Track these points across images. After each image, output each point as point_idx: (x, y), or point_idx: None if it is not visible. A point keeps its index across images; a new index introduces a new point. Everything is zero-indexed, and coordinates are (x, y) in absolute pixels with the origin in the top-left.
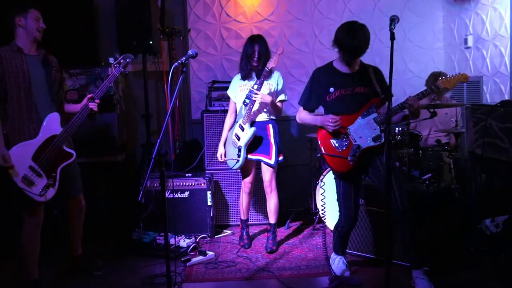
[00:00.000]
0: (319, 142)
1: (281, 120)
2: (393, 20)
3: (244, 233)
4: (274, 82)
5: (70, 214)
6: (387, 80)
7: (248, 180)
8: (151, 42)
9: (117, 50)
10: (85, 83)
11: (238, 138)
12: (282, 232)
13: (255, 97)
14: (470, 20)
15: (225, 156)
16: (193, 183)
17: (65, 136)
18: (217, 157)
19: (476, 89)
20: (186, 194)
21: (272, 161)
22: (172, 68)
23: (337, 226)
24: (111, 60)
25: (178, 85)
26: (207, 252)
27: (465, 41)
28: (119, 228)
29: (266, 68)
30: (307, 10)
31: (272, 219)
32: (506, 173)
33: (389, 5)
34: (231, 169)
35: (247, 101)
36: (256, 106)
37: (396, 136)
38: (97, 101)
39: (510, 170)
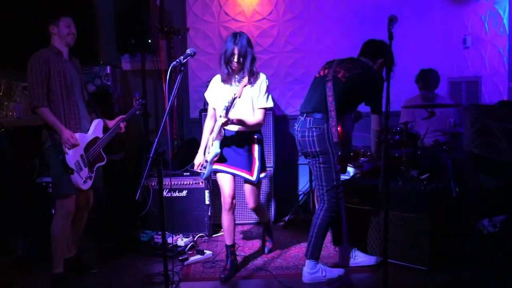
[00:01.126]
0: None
1: (280, 120)
2: (392, 20)
3: (228, 263)
4: (257, 87)
5: (76, 211)
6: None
7: (227, 194)
8: (149, 41)
9: (116, 48)
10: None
11: (208, 151)
12: (280, 232)
13: (220, 121)
14: (469, 20)
15: (201, 166)
16: (191, 182)
17: (103, 141)
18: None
19: (474, 89)
20: (184, 193)
21: (253, 178)
22: (171, 67)
23: (333, 210)
24: (136, 95)
25: (176, 84)
26: (204, 251)
27: (464, 41)
28: (118, 227)
29: (233, 96)
30: (306, 9)
31: (265, 218)
32: (504, 173)
33: (388, 5)
34: None
35: (222, 113)
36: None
37: (394, 136)
38: (125, 123)
39: (508, 170)
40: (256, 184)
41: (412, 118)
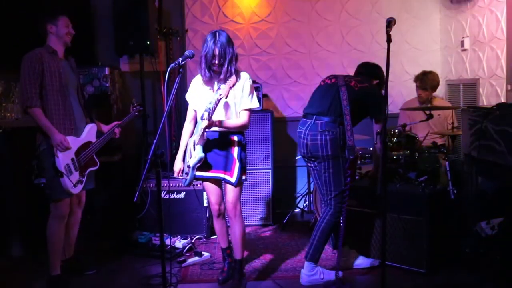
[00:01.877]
0: None
1: (279, 122)
2: (390, 22)
3: (225, 265)
4: (240, 87)
5: (70, 211)
6: (384, 83)
7: (213, 201)
8: (148, 42)
9: (114, 50)
10: (82, 82)
11: (190, 155)
12: (278, 234)
13: (203, 124)
14: (467, 23)
15: (182, 173)
16: (180, 183)
17: (96, 146)
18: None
19: (472, 91)
20: (182, 194)
21: (233, 179)
22: (169, 68)
23: (339, 215)
24: (133, 102)
25: (175, 86)
26: (202, 253)
27: (462, 43)
28: (116, 228)
29: (218, 97)
30: (305, 11)
31: (237, 253)
32: (502, 175)
33: (386, 7)
34: None
35: (205, 115)
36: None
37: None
38: (120, 129)
39: (506, 172)
40: (236, 186)
41: (410, 121)
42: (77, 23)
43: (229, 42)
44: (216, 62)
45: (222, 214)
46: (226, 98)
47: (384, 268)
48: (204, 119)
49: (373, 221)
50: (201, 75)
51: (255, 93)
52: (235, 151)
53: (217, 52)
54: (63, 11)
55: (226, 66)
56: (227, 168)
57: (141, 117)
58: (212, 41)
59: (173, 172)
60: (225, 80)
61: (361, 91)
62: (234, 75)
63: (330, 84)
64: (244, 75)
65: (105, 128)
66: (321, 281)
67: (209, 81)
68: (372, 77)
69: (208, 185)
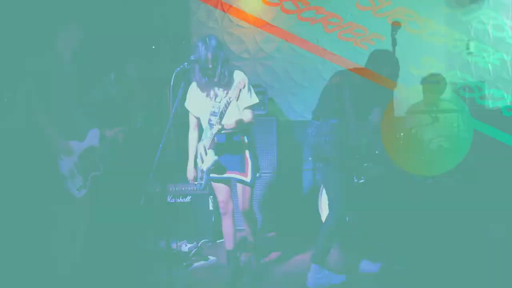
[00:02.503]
0: None
1: (284, 125)
2: (396, 26)
3: (231, 268)
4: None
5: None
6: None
7: (221, 198)
8: (153, 47)
9: (121, 55)
10: (87, 87)
11: (202, 160)
12: (284, 237)
13: (215, 129)
14: (472, 26)
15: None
16: (194, 187)
17: (99, 151)
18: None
19: (478, 94)
20: (188, 199)
21: (248, 179)
22: (175, 73)
23: (344, 216)
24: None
25: (180, 90)
26: (208, 256)
27: (467, 46)
28: (121, 233)
29: (228, 100)
30: (310, 14)
31: (250, 236)
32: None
33: (390, 9)
34: None
35: (214, 120)
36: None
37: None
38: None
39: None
40: (251, 185)
41: (416, 123)
42: (83, 26)
43: (220, 45)
44: (210, 66)
45: (229, 213)
46: (237, 100)
47: (389, 271)
48: (213, 124)
49: (378, 223)
50: (196, 81)
51: (252, 88)
52: (246, 151)
53: (209, 56)
54: (74, 16)
55: (219, 69)
56: (241, 169)
57: (146, 122)
58: (203, 47)
59: (181, 177)
60: (222, 84)
61: (365, 89)
62: (240, 77)
63: (334, 85)
64: (240, 74)
65: (108, 133)
66: (327, 284)
67: (205, 87)
68: (382, 66)
69: (218, 185)
